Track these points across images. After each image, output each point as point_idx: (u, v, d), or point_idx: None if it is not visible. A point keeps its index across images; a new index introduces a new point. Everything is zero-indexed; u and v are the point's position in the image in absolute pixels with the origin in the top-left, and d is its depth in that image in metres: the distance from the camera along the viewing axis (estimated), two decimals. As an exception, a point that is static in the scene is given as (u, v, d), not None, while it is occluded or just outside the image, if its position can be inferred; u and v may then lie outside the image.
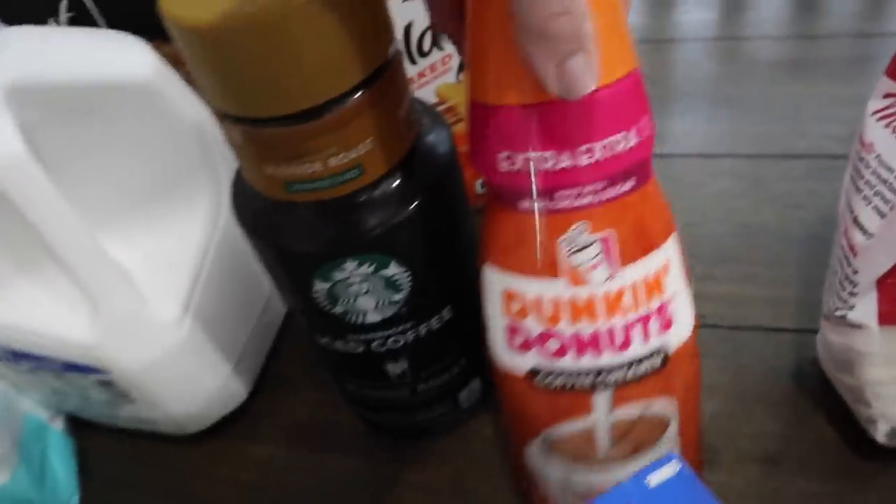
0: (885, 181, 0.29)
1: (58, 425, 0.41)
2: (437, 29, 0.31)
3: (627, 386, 0.25)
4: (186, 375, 0.36)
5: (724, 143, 0.49)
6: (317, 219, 0.26)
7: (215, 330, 0.37)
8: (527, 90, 0.21)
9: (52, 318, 0.35)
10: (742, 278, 0.41)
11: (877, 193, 0.29)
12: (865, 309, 0.29)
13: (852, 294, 0.29)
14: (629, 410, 0.26)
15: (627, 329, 0.24)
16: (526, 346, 0.25)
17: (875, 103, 0.31)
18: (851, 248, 0.30)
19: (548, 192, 0.22)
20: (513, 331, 0.25)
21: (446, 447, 0.37)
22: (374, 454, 0.37)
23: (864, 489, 0.32)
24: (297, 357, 0.43)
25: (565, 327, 0.24)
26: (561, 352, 0.25)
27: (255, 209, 0.27)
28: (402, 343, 0.30)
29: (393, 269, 0.27)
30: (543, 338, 0.25)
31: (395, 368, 0.32)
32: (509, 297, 0.25)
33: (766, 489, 0.33)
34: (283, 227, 0.26)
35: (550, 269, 0.24)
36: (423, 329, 0.30)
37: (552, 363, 0.25)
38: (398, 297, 0.28)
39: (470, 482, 0.35)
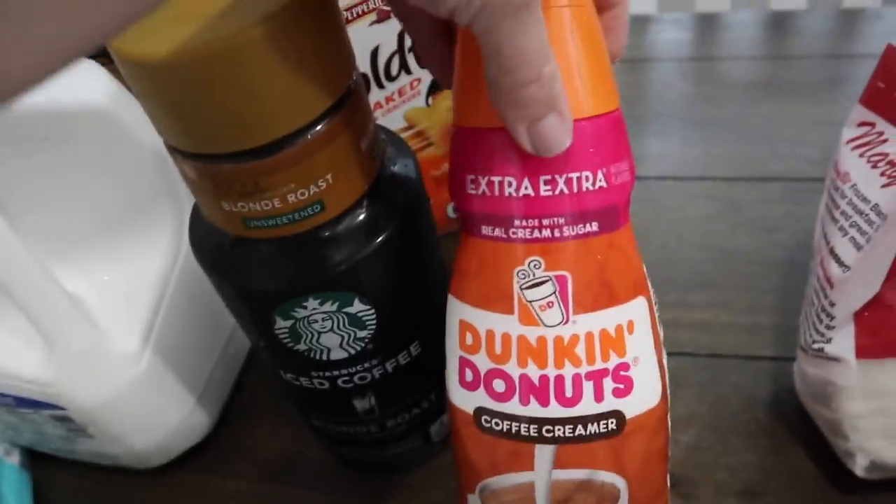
0: (861, 212, 0.28)
1: (13, 459, 0.39)
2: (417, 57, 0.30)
3: (573, 445, 0.24)
4: (147, 410, 0.35)
5: (700, 166, 0.49)
6: (277, 256, 0.25)
7: (177, 362, 0.35)
8: (493, 113, 0.20)
9: (4, 352, 0.33)
10: (718, 304, 0.40)
11: (853, 225, 0.28)
12: (843, 342, 0.29)
13: (829, 327, 0.29)
14: (572, 473, 0.24)
15: (577, 382, 0.23)
16: (475, 383, 0.24)
17: (849, 132, 0.31)
18: (828, 279, 0.29)
19: (507, 219, 0.22)
20: (464, 365, 0.24)
21: (418, 481, 0.36)
22: (343, 489, 0.36)
23: (843, 524, 0.31)
24: (263, 389, 0.41)
25: (513, 368, 0.23)
26: (507, 395, 0.24)
27: (213, 245, 0.26)
28: (368, 379, 0.29)
29: (357, 306, 0.26)
30: (491, 376, 0.24)
31: (362, 404, 0.31)
32: (464, 328, 0.24)
33: (743, 525, 0.32)
34: (243, 265, 0.25)
35: (504, 302, 0.23)
36: (389, 365, 0.29)
37: (497, 406, 0.24)
38: (363, 333, 0.27)
39: (441, 519, 0.34)
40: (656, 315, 0.24)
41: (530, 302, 0.23)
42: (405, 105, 0.37)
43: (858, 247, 0.28)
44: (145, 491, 0.38)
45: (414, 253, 0.27)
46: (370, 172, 0.25)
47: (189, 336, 0.36)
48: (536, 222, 0.22)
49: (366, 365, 0.28)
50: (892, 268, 0.26)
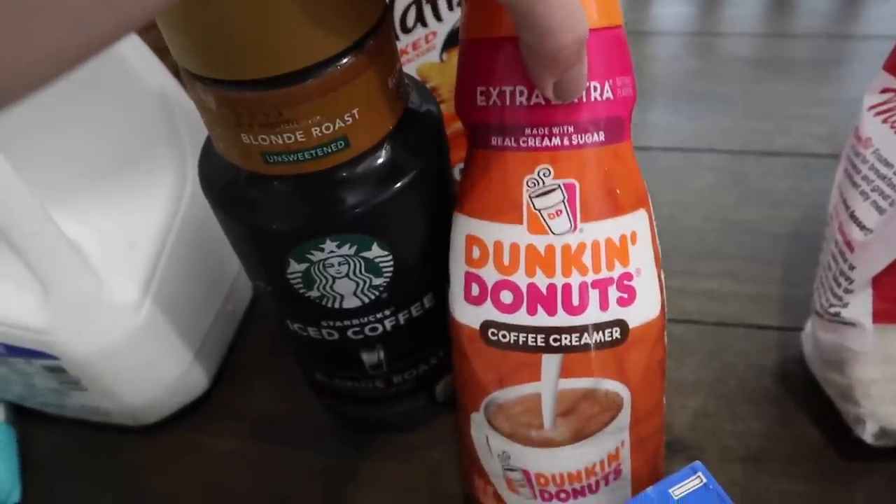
0: (883, 177, 0.28)
1: (-1, 415, 0.38)
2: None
3: (579, 354, 0.24)
4: (143, 363, 0.34)
5: (706, 138, 0.48)
6: (295, 194, 0.24)
7: (176, 315, 0.34)
8: (504, 24, 0.21)
9: (-3, 297, 0.32)
10: (725, 274, 0.40)
11: (875, 189, 0.28)
12: (860, 307, 0.28)
13: (848, 291, 0.29)
14: (578, 382, 0.25)
15: (584, 291, 0.23)
16: (481, 297, 0.25)
17: (872, 98, 0.31)
18: (848, 243, 0.29)
19: (518, 128, 0.23)
20: (470, 280, 0.25)
21: (419, 441, 0.35)
22: (340, 449, 0.36)
23: (849, 490, 0.31)
24: (261, 346, 0.40)
25: (521, 278, 0.24)
26: (514, 306, 0.24)
27: (225, 182, 0.25)
28: (379, 331, 0.28)
29: (375, 251, 0.25)
30: (498, 288, 0.24)
31: (370, 358, 0.30)
32: (471, 242, 0.24)
33: (750, 489, 0.32)
34: (257, 203, 0.24)
35: (513, 212, 0.23)
36: (402, 317, 0.28)
37: (504, 317, 0.24)
38: (379, 281, 0.26)
39: (445, 478, 0.34)
40: (656, 233, 0.25)
41: (539, 210, 0.23)
42: (419, 59, 0.36)
43: (881, 210, 0.28)
44: (135, 449, 0.37)
45: (435, 199, 0.26)
46: (395, 112, 0.24)
47: (189, 288, 0.35)
48: (546, 130, 0.23)
49: (378, 315, 0.28)
50: (915, 230, 0.26)
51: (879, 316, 0.28)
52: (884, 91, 0.30)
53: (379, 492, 0.34)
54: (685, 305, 0.38)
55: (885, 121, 0.30)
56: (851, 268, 0.28)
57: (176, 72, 0.36)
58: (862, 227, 0.28)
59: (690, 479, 0.19)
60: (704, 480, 0.19)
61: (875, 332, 0.28)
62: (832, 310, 0.29)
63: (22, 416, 0.39)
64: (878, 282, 0.28)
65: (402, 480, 0.34)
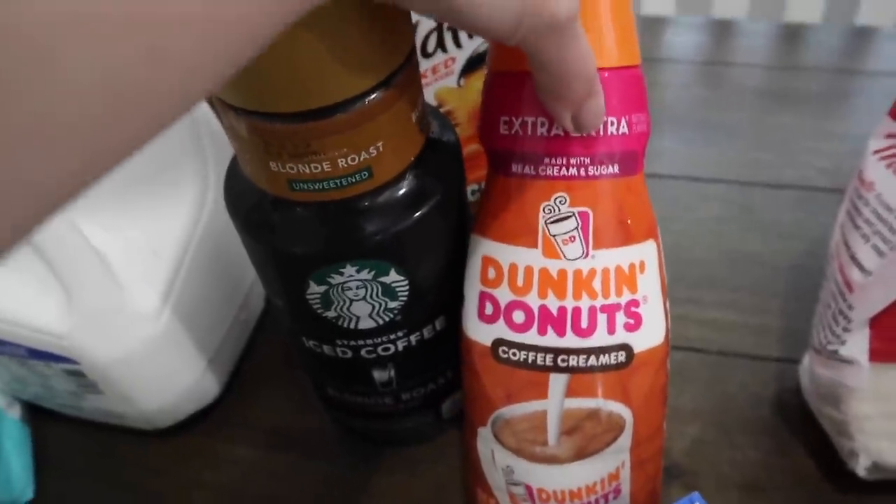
0: (884, 221, 0.29)
1: (14, 413, 0.39)
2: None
3: (585, 375, 0.25)
4: (160, 369, 0.35)
5: (713, 168, 0.49)
6: (317, 220, 0.25)
7: (194, 323, 0.35)
8: (526, 59, 0.22)
9: (20, 301, 0.33)
10: (728, 304, 0.41)
11: (876, 232, 0.29)
12: (857, 345, 0.29)
13: (846, 329, 0.29)
14: (583, 402, 0.26)
15: (593, 314, 0.25)
16: (494, 316, 0.26)
17: (876, 143, 0.32)
18: (847, 284, 0.30)
19: (537, 157, 0.24)
20: (485, 299, 0.26)
21: (425, 456, 0.36)
22: (349, 460, 0.37)
23: (841, 522, 0.32)
24: (272, 356, 0.41)
25: (533, 299, 0.25)
26: (526, 325, 0.25)
27: (251, 205, 0.26)
28: (391, 351, 0.29)
29: (392, 276, 0.26)
30: (511, 308, 0.25)
31: (381, 376, 0.31)
32: (487, 262, 0.26)
33: (744, 518, 0.33)
34: (282, 227, 0.25)
35: (529, 236, 0.25)
36: (414, 338, 0.29)
37: (515, 336, 0.26)
38: (394, 304, 0.27)
39: (449, 492, 0.35)
40: (664, 264, 0.26)
41: (554, 236, 0.25)
42: (437, 83, 0.37)
43: (881, 254, 0.29)
44: (147, 451, 0.38)
45: (451, 227, 0.27)
46: (417, 144, 0.25)
47: (207, 298, 0.36)
48: (564, 160, 0.24)
49: (391, 336, 0.29)
50: (913, 275, 0.27)
51: (876, 355, 0.29)
52: (888, 136, 0.31)
53: (384, 503, 0.35)
54: (688, 333, 0.39)
55: (888, 166, 0.30)
56: (850, 307, 0.29)
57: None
58: (862, 268, 0.29)
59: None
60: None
61: (871, 371, 0.29)
62: (830, 347, 0.30)
63: (38, 415, 0.40)
64: (875, 322, 0.29)
65: (407, 493, 0.35)
